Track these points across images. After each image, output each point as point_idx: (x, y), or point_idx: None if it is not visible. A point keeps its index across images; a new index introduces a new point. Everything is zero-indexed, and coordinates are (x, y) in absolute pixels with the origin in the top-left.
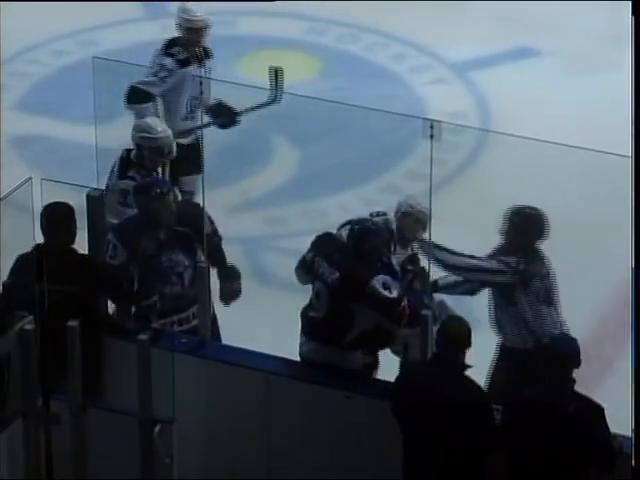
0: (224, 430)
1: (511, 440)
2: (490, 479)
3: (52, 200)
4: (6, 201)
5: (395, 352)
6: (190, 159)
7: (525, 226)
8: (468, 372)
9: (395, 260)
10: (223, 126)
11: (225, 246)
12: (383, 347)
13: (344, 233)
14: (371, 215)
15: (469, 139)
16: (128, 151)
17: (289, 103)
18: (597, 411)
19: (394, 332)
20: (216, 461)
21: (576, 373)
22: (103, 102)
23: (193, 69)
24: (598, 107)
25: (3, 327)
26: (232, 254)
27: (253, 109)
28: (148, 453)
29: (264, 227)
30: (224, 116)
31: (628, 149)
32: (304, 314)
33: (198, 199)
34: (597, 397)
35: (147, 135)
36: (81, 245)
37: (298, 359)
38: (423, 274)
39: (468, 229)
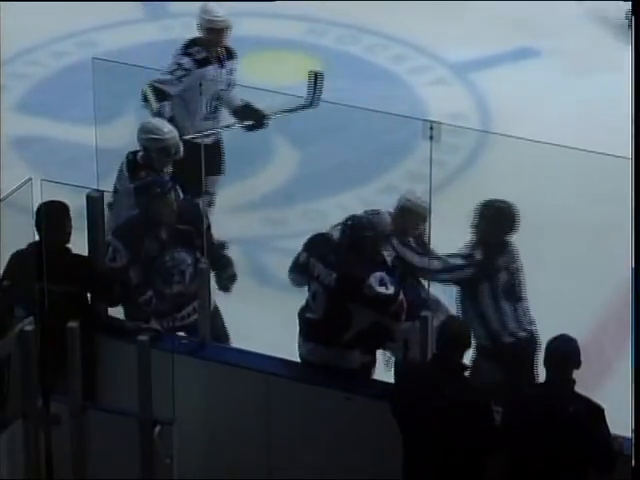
0: (224, 431)
1: (511, 441)
2: (489, 479)
3: None
4: (6, 202)
5: (393, 351)
6: (211, 160)
7: (495, 219)
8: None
9: (387, 254)
10: (250, 128)
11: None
12: (381, 345)
13: (336, 234)
14: (365, 213)
15: (469, 140)
16: (134, 154)
17: (289, 104)
18: (597, 412)
19: (393, 328)
20: (216, 462)
21: (576, 374)
22: (103, 103)
23: (213, 69)
24: (598, 107)
25: (3, 328)
26: (232, 254)
27: (285, 112)
28: (148, 454)
29: (264, 227)
30: (251, 118)
31: (628, 150)
32: (301, 315)
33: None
34: (597, 398)
35: (154, 136)
36: (81, 246)
37: (298, 360)
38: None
39: (468, 230)
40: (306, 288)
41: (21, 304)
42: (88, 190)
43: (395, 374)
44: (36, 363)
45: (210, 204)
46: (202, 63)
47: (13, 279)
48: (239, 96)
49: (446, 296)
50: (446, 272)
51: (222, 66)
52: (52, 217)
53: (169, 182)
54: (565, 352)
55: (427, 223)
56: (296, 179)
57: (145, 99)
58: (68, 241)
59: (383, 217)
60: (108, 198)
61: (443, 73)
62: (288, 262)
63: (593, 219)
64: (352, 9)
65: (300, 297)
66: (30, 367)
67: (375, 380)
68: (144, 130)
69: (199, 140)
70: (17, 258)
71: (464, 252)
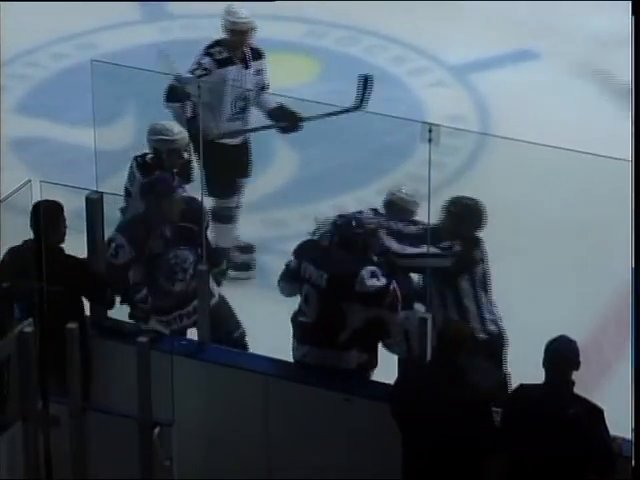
0: (223, 432)
1: (510, 442)
2: None
3: None
4: (5, 204)
5: (392, 348)
6: (238, 161)
7: (463, 215)
8: None
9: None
10: (285, 130)
11: None
12: (378, 343)
13: (324, 237)
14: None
15: (468, 142)
16: (142, 156)
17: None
18: (597, 413)
19: (391, 321)
20: (216, 463)
21: (576, 375)
22: (102, 105)
23: (235, 70)
24: (597, 109)
25: (2, 329)
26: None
27: (332, 115)
28: (148, 455)
29: (263, 229)
30: (286, 120)
31: (628, 151)
32: (294, 320)
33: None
34: (596, 399)
35: (164, 137)
36: (80, 248)
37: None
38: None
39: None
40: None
41: (20, 304)
42: (87, 192)
43: (399, 369)
44: (36, 364)
45: (237, 206)
46: (223, 63)
47: (10, 278)
48: (274, 98)
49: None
50: (424, 258)
51: (247, 67)
52: (46, 217)
53: (174, 180)
54: (564, 353)
55: (414, 216)
56: (295, 181)
57: (166, 99)
58: (62, 241)
59: (369, 214)
60: (118, 202)
61: (443, 75)
62: None
63: (592, 221)
64: (351, 10)
65: (299, 299)
66: (30, 368)
67: (374, 381)
68: (154, 131)
69: (226, 141)
70: (12, 255)
71: (443, 245)
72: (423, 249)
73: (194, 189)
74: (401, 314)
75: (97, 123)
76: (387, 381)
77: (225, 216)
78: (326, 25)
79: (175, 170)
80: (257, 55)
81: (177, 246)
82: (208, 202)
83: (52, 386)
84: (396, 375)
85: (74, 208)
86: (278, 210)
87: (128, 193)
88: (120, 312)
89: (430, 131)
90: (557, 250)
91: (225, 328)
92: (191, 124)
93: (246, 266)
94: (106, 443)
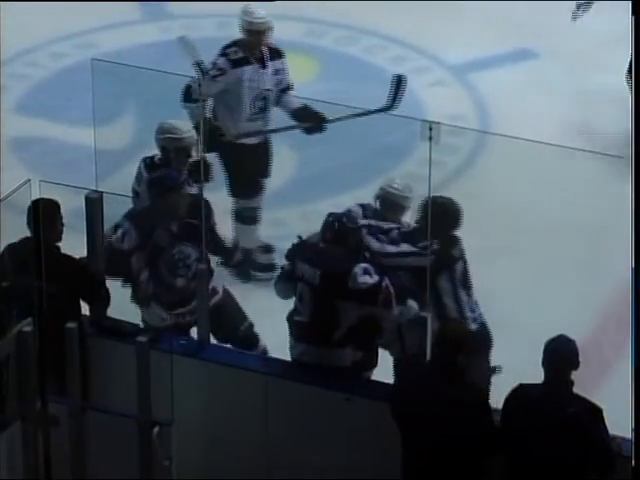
0: (223, 432)
1: (510, 442)
2: None
3: None
4: (5, 203)
5: (386, 348)
6: (258, 161)
7: (439, 215)
8: None
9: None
10: (309, 131)
11: None
12: (372, 341)
13: (317, 237)
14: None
15: (468, 141)
16: (151, 158)
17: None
18: (596, 413)
19: (385, 318)
20: (215, 463)
21: (575, 375)
22: (102, 104)
23: (251, 70)
24: (597, 108)
25: (1, 329)
26: None
27: (354, 117)
28: (147, 455)
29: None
30: (311, 121)
31: (628, 150)
32: (290, 319)
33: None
34: (596, 399)
35: (172, 136)
36: (80, 248)
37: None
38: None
39: (467, 230)
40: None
41: (19, 304)
42: (87, 191)
43: (394, 369)
44: (35, 364)
45: (259, 207)
46: (238, 63)
47: (8, 275)
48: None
49: None
50: (402, 256)
51: (264, 66)
52: (43, 215)
53: (182, 176)
54: (563, 353)
55: (406, 211)
56: (294, 181)
57: (183, 99)
58: (59, 239)
59: (357, 211)
60: (118, 201)
61: (442, 74)
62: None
63: (592, 219)
64: (351, 10)
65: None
66: (29, 368)
67: (374, 381)
68: (161, 130)
69: (245, 141)
70: (9, 253)
71: (421, 244)
72: (401, 248)
73: (213, 189)
74: (395, 310)
75: (97, 122)
76: (387, 381)
77: (247, 217)
78: (325, 25)
79: (184, 170)
80: (276, 55)
81: (182, 242)
82: (228, 202)
83: (51, 386)
84: (394, 375)
85: (74, 208)
86: (277, 210)
87: (136, 194)
88: (119, 311)
89: (430, 129)
90: (556, 249)
91: (232, 323)
92: (207, 124)
93: (271, 267)
94: (105, 443)
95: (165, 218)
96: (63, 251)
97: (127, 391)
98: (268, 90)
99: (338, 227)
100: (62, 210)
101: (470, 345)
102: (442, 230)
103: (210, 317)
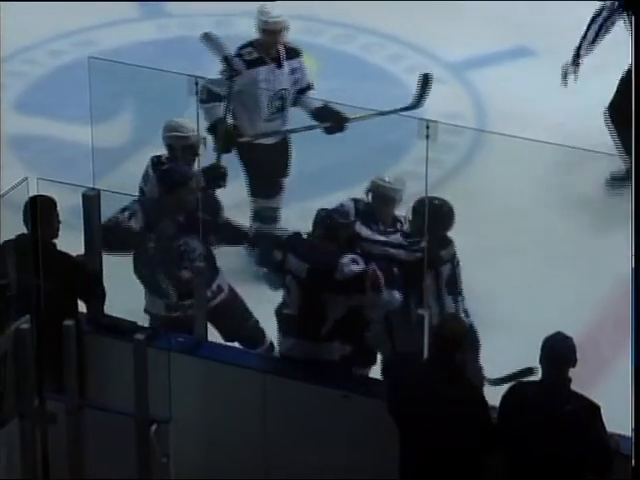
0: (221, 429)
1: (507, 439)
2: (487, 478)
3: None
4: (2, 201)
5: (373, 342)
6: (277, 161)
7: (430, 215)
8: None
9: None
10: (330, 131)
11: None
12: (361, 333)
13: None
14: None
15: (465, 139)
16: (158, 157)
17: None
18: (593, 410)
19: (374, 303)
20: (213, 460)
21: (572, 372)
22: (99, 102)
23: (266, 69)
24: (595, 107)
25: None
26: (230, 252)
27: (376, 115)
28: (145, 453)
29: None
30: (331, 120)
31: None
32: (278, 313)
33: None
34: (593, 396)
35: (178, 134)
36: (77, 245)
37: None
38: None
39: (464, 228)
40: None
41: (16, 301)
42: (84, 189)
43: (383, 370)
44: (33, 362)
45: (279, 206)
46: (252, 64)
47: (5, 273)
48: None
49: None
50: (390, 247)
51: (280, 66)
52: (39, 212)
53: (191, 169)
54: (561, 350)
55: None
56: (292, 179)
57: (201, 101)
58: (56, 236)
59: (349, 204)
60: (116, 199)
61: (440, 72)
62: None
63: (590, 217)
64: (348, 8)
65: None
66: (27, 366)
67: (373, 378)
68: (168, 128)
69: (262, 141)
70: (5, 249)
71: (411, 240)
72: (390, 238)
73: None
74: (383, 295)
75: (94, 120)
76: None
77: (267, 217)
78: (323, 23)
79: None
80: (292, 54)
81: (188, 234)
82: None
83: (48, 383)
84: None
85: (71, 205)
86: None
87: (142, 193)
88: (116, 309)
89: (427, 127)
90: (553, 245)
91: (238, 322)
92: (223, 125)
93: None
94: (103, 440)
95: (173, 210)
96: (60, 249)
97: (124, 388)
98: (285, 90)
99: (330, 223)
100: (59, 208)
101: (466, 342)
102: (434, 230)
103: (216, 316)
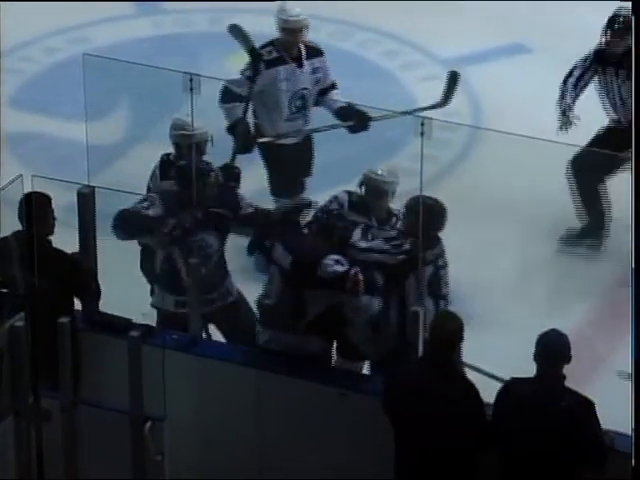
0: (215, 427)
1: (502, 437)
2: (482, 476)
3: None
4: None
5: (353, 339)
6: (300, 160)
7: (424, 214)
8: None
9: None
10: (353, 130)
11: None
12: (340, 330)
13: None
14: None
15: (461, 135)
16: (167, 155)
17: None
18: (588, 406)
19: (353, 305)
20: (208, 458)
21: (567, 369)
22: (94, 99)
23: (286, 69)
24: (591, 104)
25: None
26: (229, 250)
27: (403, 114)
28: (139, 450)
29: None
30: (354, 119)
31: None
32: (259, 303)
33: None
34: (588, 393)
35: (184, 132)
36: (72, 242)
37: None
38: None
39: (459, 225)
40: None
41: (10, 298)
42: (79, 186)
43: (371, 370)
44: (27, 359)
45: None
46: (272, 64)
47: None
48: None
49: None
50: (372, 252)
51: (301, 65)
52: (34, 209)
53: (210, 165)
54: (555, 347)
55: (389, 198)
56: None
57: (221, 100)
58: (51, 233)
59: (343, 196)
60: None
61: (435, 69)
62: None
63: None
64: (344, 5)
65: None
66: (21, 363)
67: (369, 376)
68: (175, 126)
69: (284, 141)
70: (0, 247)
71: (394, 243)
72: (372, 243)
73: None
74: (362, 299)
75: (89, 117)
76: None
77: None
78: (319, 20)
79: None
80: (314, 53)
81: (205, 230)
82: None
83: (43, 380)
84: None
85: (66, 203)
86: (272, 205)
87: (149, 189)
88: (111, 306)
89: (422, 124)
90: (549, 242)
91: (247, 323)
92: (243, 125)
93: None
94: (97, 438)
95: (190, 205)
96: (55, 246)
97: (119, 386)
98: (306, 89)
99: (327, 222)
100: (54, 205)
101: (462, 338)
102: (425, 230)
103: (223, 318)
